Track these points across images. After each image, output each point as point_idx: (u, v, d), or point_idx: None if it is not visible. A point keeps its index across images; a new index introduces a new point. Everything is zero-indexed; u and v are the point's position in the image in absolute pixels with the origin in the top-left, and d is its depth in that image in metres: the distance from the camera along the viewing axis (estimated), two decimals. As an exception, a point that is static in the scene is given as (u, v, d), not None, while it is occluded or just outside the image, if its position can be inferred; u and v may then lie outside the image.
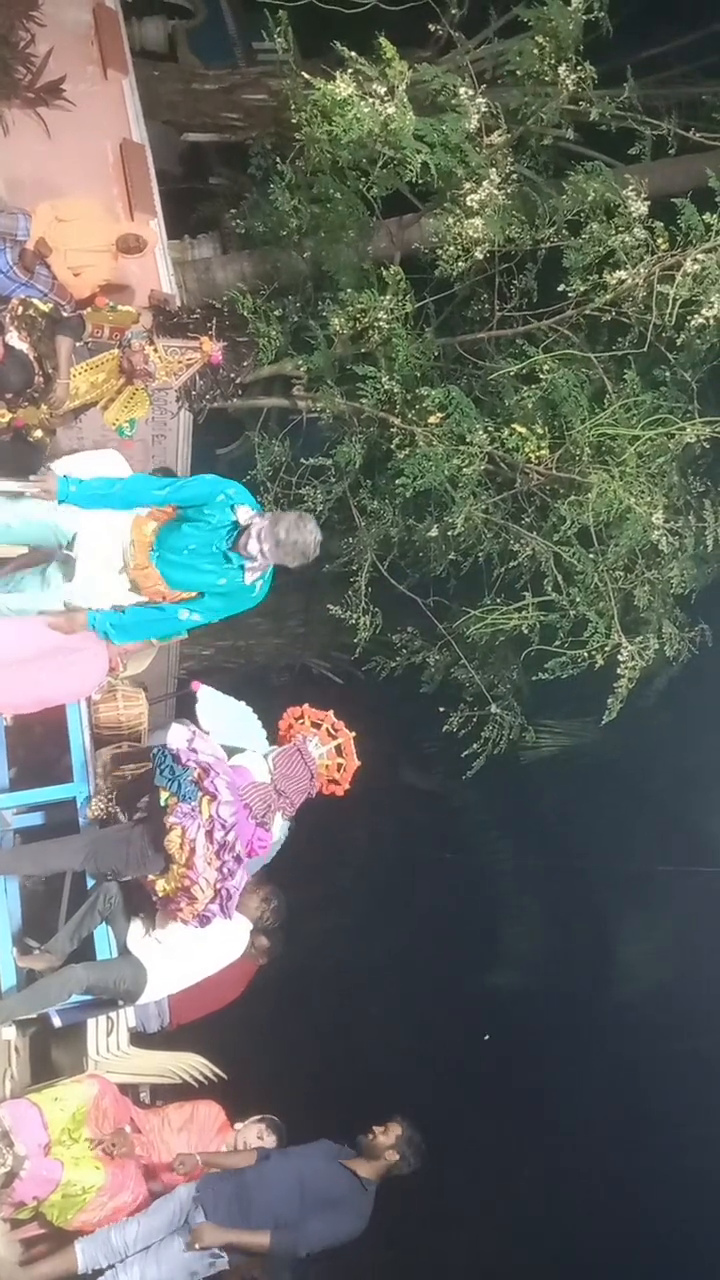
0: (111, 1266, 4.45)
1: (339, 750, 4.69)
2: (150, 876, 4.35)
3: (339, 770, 4.70)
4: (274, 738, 4.84)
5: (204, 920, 4.30)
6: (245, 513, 4.09)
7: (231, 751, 4.58)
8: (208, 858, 4.16)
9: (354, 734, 4.75)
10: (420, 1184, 4.90)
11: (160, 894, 4.31)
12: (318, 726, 4.72)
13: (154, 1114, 5.16)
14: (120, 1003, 4.71)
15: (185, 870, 4.17)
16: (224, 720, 4.70)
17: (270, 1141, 4.92)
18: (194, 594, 4.28)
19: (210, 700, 4.77)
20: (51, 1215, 4.48)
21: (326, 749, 4.68)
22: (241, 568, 4.12)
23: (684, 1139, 7.48)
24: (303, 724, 4.75)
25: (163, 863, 4.26)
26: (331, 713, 4.75)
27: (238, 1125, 5.08)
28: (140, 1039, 5.46)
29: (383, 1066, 7.81)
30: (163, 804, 4.24)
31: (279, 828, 4.67)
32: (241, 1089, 5.52)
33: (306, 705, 4.81)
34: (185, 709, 6.91)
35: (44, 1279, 4.54)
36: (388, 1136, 4.70)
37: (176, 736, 4.35)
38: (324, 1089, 7.35)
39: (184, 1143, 5.01)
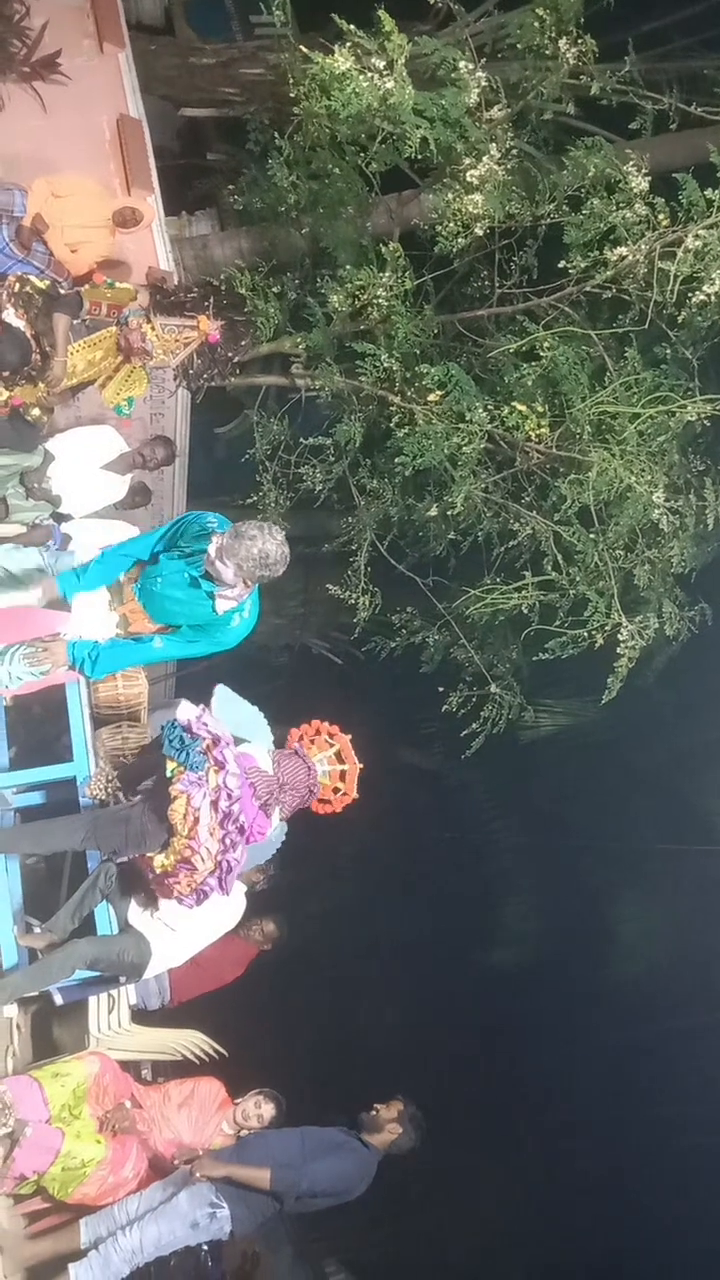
0: (112, 1234, 4.50)
1: (342, 775, 4.68)
2: (148, 854, 4.35)
3: (334, 793, 4.69)
4: (282, 742, 4.81)
5: (201, 895, 4.29)
6: (217, 539, 3.95)
7: (239, 743, 4.58)
8: (211, 827, 4.15)
9: (362, 766, 4.69)
10: (419, 1161, 4.95)
11: (158, 870, 4.30)
12: (330, 745, 4.70)
13: (155, 1090, 5.20)
14: (123, 979, 4.73)
15: (187, 840, 4.16)
16: (236, 717, 4.70)
17: (267, 1111, 4.98)
18: (174, 627, 4.20)
19: (225, 698, 4.77)
20: (53, 1189, 4.52)
21: (330, 769, 4.67)
22: (211, 595, 4.02)
23: (682, 1117, 7.53)
24: (320, 739, 4.73)
25: (163, 838, 4.25)
26: (349, 738, 4.72)
27: (237, 1100, 5.13)
28: (141, 1016, 5.50)
29: (382, 1044, 7.87)
30: (169, 774, 4.24)
31: (275, 825, 4.68)
32: (242, 1066, 5.55)
33: (335, 726, 4.75)
34: (185, 688, 6.93)
35: (47, 1254, 4.59)
36: (389, 1112, 4.77)
37: (187, 710, 4.35)
38: (325, 1066, 7.40)
39: (185, 1120, 5.06)
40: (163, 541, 4.18)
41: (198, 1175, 4.50)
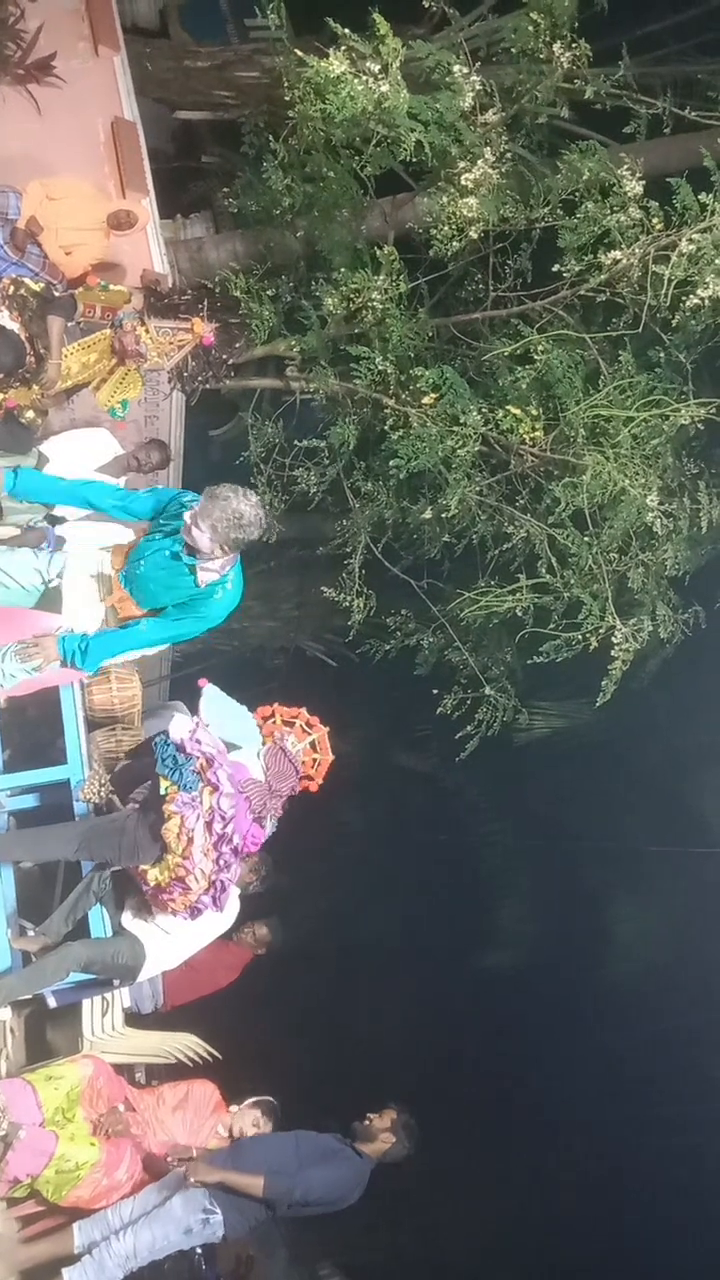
0: (106, 1238, 4.49)
1: (314, 746, 4.69)
2: (142, 867, 4.35)
3: (314, 766, 4.71)
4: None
5: (195, 912, 4.32)
6: (194, 509, 3.95)
7: (229, 748, 4.59)
8: (205, 849, 4.16)
9: (328, 728, 4.74)
10: (415, 1165, 4.94)
11: (152, 884, 4.30)
12: (290, 725, 4.71)
13: (149, 1094, 5.19)
14: (117, 982, 4.73)
15: (181, 860, 4.17)
16: (224, 718, 4.71)
17: (267, 1128, 4.96)
18: (159, 610, 4.20)
19: (214, 698, 4.78)
20: (46, 1192, 4.52)
21: (303, 745, 4.68)
22: (192, 569, 4.02)
23: (680, 1117, 7.54)
24: (274, 723, 4.75)
25: (157, 852, 4.25)
26: (304, 709, 4.74)
27: (233, 1108, 5.11)
28: (135, 1019, 5.50)
29: (377, 1048, 7.85)
30: (162, 793, 4.23)
31: (269, 831, 4.70)
32: (236, 1069, 5.55)
33: (276, 704, 4.79)
34: (179, 692, 6.93)
35: (42, 1257, 4.59)
36: (383, 1121, 4.76)
37: (180, 727, 4.34)
38: (318, 1068, 7.39)
39: (179, 1122, 5.05)
40: (136, 505, 4.17)
41: (192, 1180, 4.49)
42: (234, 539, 3.85)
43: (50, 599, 4.42)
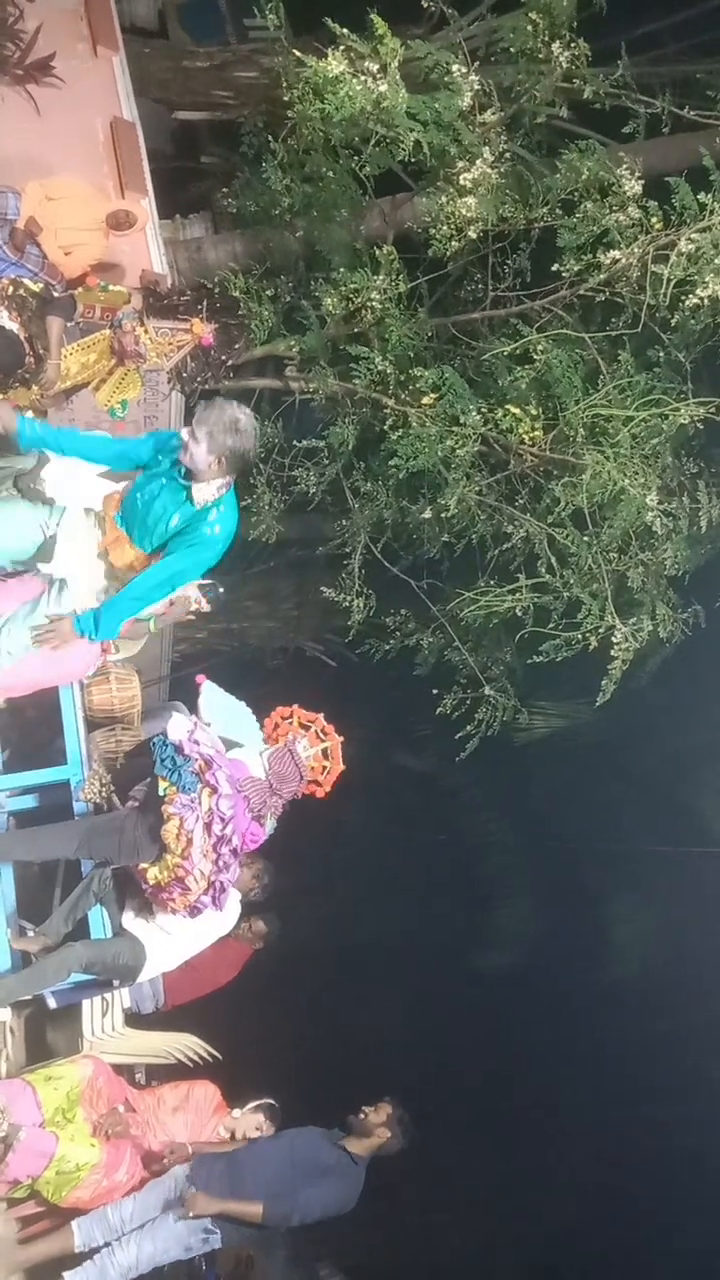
0: (108, 1244, 4.50)
1: (325, 753, 4.69)
2: (142, 865, 4.35)
3: (323, 772, 4.70)
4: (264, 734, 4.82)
5: (195, 911, 4.32)
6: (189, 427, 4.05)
7: (229, 746, 4.59)
8: (204, 850, 4.16)
9: (342, 739, 4.73)
10: (414, 1163, 4.95)
11: (151, 883, 4.31)
12: (306, 728, 4.70)
13: (149, 1094, 5.19)
14: (116, 982, 4.73)
15: (180, 861, 4.17)
16: (223, 715, 4.71)
17: (269, 1131, 4.96)
18: (159, 554, 4.17)
19: (212, 695, 4.77)
20: (46, 1192, 4.52)
21: (314, 751, 4.68)
22: (188, 488, 4.03)
23: (677, 1117, 7.54)
24: (291, 724, 4.74)
25: (156, 852, 4.26)
26: (321, 715, 4.73)
27: (235, 1112, 5.09)
28: (135, 1020, 5.49)
29: (376, 1046, 7.87)
30: (161, 793, 4.24)
31: (269, 830, 4.70)
32: (236, 1069, 5.55)
33: (296, 706, 4.79)
34: (179, 692, 6.93)
35: (41, 1256, 4.59)
36: (378, 1115, 4.76)
37: (178, 727, 4.34)
38: (317, 1069, 7.40)
39: (180, 1123, 5.05)
40: (136, 447, 4.24)
41: (191, 1215, 4.49)
42: (229, 446, 3.91)
43: (47, 549, 4.40)
